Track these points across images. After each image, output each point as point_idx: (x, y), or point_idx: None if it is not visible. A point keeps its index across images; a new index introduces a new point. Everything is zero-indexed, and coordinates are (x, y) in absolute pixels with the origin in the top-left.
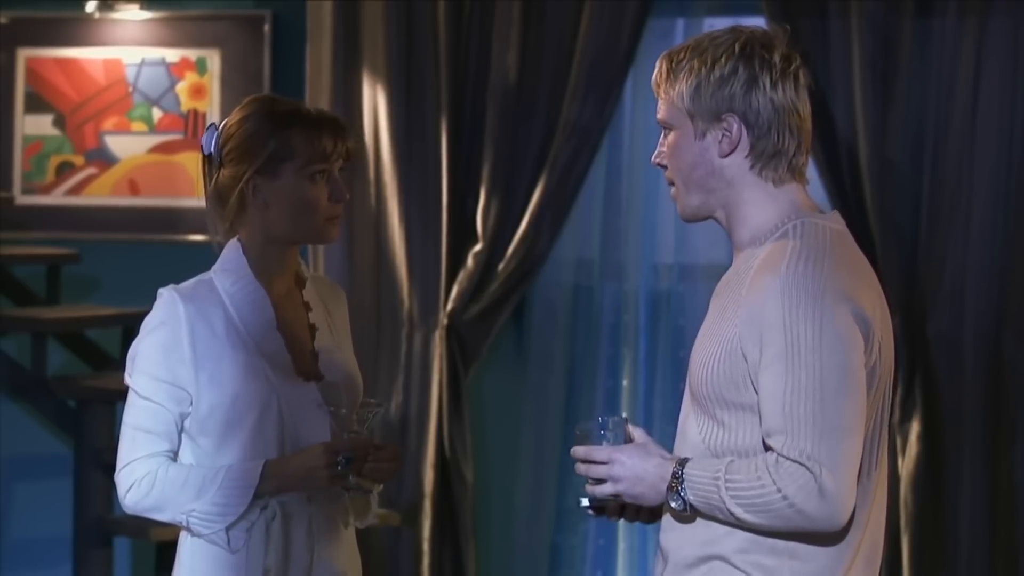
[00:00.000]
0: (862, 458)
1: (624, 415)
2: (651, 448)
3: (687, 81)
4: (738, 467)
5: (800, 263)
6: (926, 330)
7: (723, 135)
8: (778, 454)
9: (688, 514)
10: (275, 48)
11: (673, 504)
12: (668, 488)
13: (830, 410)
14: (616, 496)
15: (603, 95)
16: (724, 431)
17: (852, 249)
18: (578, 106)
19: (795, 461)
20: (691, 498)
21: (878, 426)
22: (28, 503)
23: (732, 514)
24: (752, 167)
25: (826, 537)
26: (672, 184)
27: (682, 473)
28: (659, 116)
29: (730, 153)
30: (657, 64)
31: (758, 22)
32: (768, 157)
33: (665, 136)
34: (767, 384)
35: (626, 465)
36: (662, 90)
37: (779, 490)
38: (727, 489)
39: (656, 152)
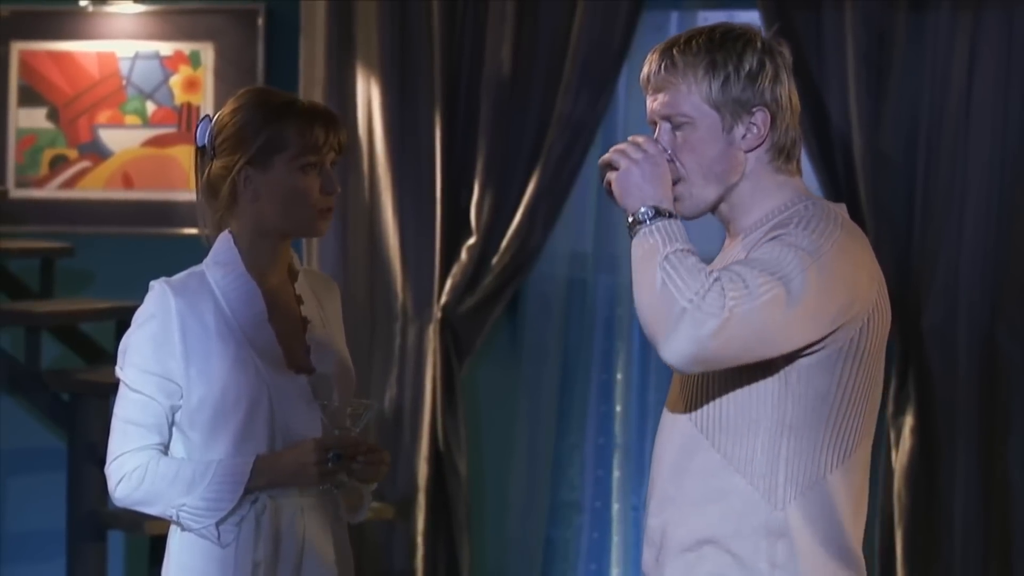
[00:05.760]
0: (856, 432)
1: None
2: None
3: (713, 75)
4: (696, 259)
5: (811, 225)
6: (919, 324)
7: (749, 129)
8: (722, 284)
9: (628, 224)
10: (269, 41)
11: (633, 213)
12: (649, 209)
13: (775, 303)
14: (612, 166)
15: (597, 88)
16: (714, 406)
17: (860, 234)
18: (572, 99)
19: (723, 299)
20: (650, 231)
21: (871, 401)
22: (22, 497)
23: (654, 272)
24: (771, 161)
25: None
26: (680, 180)
27: (659, 219)
28: (671, 110)
29: (757, 147)
30: (656, 58)
31: (752, 16)
32: (782, 150)
33: (675, 130)
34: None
35: (651, 158)
36: (673, 83)
37: (699, 294)
38: (673, 255)
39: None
